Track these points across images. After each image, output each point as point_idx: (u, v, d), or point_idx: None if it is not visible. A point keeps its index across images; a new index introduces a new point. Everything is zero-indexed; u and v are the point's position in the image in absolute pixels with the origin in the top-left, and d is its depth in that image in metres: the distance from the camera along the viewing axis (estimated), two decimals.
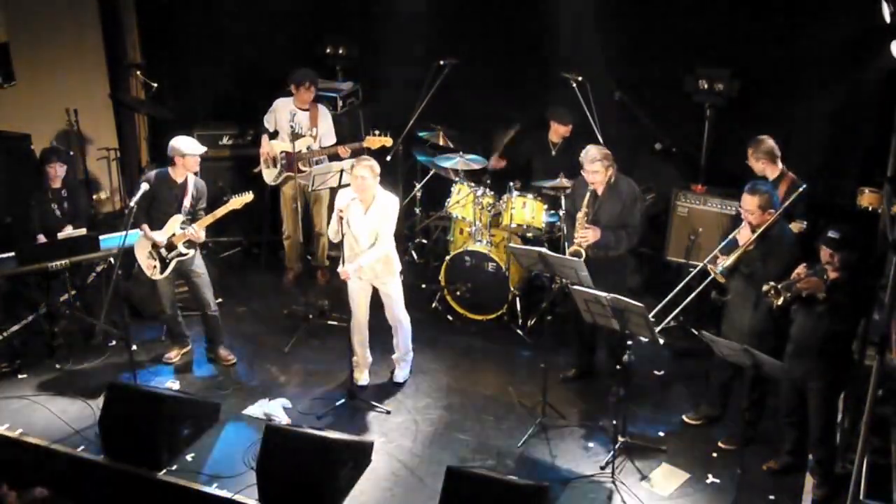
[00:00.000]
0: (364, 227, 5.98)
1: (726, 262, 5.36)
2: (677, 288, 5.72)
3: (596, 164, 5.92)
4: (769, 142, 6.15)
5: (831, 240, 4.88)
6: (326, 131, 7.47)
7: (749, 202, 5.34)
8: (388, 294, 6.20)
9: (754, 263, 5.34)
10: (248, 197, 6.37)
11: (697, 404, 6.07)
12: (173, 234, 6.29)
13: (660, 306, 5.67)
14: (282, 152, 7.45)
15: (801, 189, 5.72)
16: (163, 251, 6.31)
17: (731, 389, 5.85)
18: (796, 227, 5.95)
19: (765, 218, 5.33)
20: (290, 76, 7.37)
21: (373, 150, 7.18)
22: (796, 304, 5.08)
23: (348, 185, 6.28)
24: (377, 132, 7.13)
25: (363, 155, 6.59)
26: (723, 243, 5.52)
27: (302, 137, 7.26)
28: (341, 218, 5.83)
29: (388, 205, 5.99)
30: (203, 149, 6.33)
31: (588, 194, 6.02)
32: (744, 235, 5.42)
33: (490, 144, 7.90)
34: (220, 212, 6.33)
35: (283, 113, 7.44)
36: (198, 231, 6.24)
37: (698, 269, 5.68)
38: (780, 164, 6.17)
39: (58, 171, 6.99)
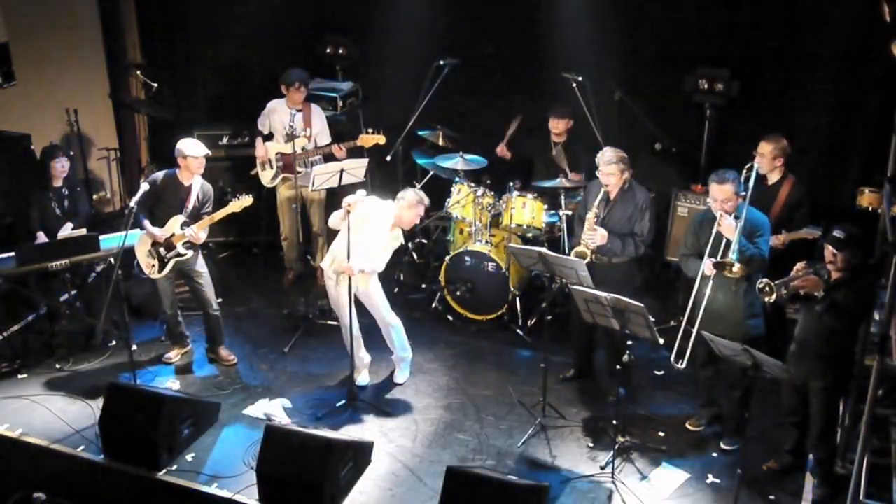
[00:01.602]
0: (375, 241, 6.02)
1: (731, 254, 5.27)
2: (691, 298, 5.55)
3: (611, 167, 5.89)
4: (785, 141, 6.07)
5: (836, 239, 4.87)
6: (321, 130, 7.45)
7: (723, 191, 5.33)
8: (369, 297, 6.20)
9: (747, 248, 5.32)
10: (247, 200, 6.33)
11: (697, 410, 6.05)
12: (172, 234, 6.29)
13: (683, 325, 5.55)
14: (277, 154, 7.45)
15: (803, 193, 5.71)
16: (161, 250, 6.31)
17: (719, 385, 5.86)
18: (809, 234, 5.91)
19: (738, 202, 5.36)
20: (280, 77, 7.37)
21: (367, 148, 7.19)
22: (798, 304, 5.08)
23: (349, 185, 6.28)
24: (370, 130, 7.14)
25: (358, 153, 6.59)
26: (709, 246, 5.41)
27: (296, 138, 7.25)
28: (348, 212, 5.83)
29: (398, 232, 6.13)
30: (206, 151, 6.32)
31: (600, 196, 6.01)
32: (726, 227, 5.35)
33: (491, 138, 7.90)
34: (219, 215, 6.31)
35: (278, 114, 7.43)
36: (197, 232, 6.24)
37: (699, 276, 5.49)
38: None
39: (63, 167, 6.99)
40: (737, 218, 5.33)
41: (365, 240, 6.01)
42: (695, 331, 5.39)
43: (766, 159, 6.03)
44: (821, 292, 4.90)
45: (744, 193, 5.38)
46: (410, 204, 6.06)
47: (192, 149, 6.24)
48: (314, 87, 7.79)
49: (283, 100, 7.42)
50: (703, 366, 5.80)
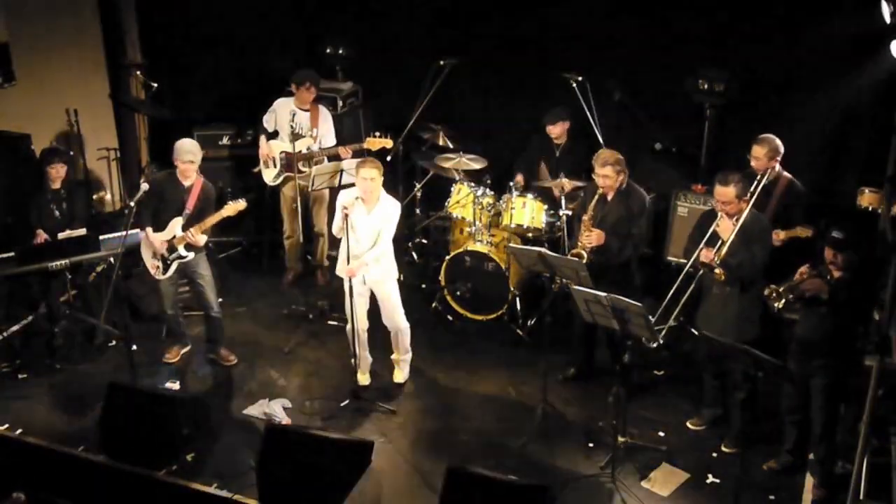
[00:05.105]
0: (367, 228, 5.99)
1: (720, 256, 5.33)
2: (672, 290, 5.64)
3: (607, 169, 5.89)
4: (777, 140, 6.09)
5: (835, 240, 4.88)
6: (327, 132, 7.46)
7: (725, 193, 5.34)
8: (387, 298, 6.19)
9: (739, 252, 5.34)
10: (241, 205, 6.28)
11: (698, 409, 6.06)
12: (174, 237, 6.28)
13: (661, 309, 5.62)
14: (281, 153, 7.45)
15: (799, 190, 5.71)
16: (164, 252, 6.30)
17: (725, 387, 5.86)
18: (802, 232, 5.92)
19: (741, 206, 5.37)
20: (292, 76, 7.36)
21: (373, 151, 7.19)
22: (799, 304, 5.08)
23: (349, 185, 6.26)
24: (378, 133, 7.14)
25: (364, 156, 6.58)
26: (703, 240, 5.46)
27: (302, 138, 7.26)
28: (346, 215, 5.83)
29: (391, 208, 6.02)
30: (189, 154, 6.19)
31: (597, 197, 6.01)
32: (724, 227, 5.40)
33: (492, 138, 7.88)
34: (213, 219, 6.27)
35: (283, 113, 7.43)
36: (195, 235, 6.22)
37: (685, 270, 5.56)
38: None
39: (59, 172, 6.97)
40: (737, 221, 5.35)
41: (363, 235, 6.01)
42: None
43: (762, 161, 6.03)
44: (825, 294, 4.91)
45: (746, 199, 5.38)
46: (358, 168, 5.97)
47: (177, 152, 6.19)
48: None
49: (289, 99, 7.42)
50: (708, 367, 5.80)
